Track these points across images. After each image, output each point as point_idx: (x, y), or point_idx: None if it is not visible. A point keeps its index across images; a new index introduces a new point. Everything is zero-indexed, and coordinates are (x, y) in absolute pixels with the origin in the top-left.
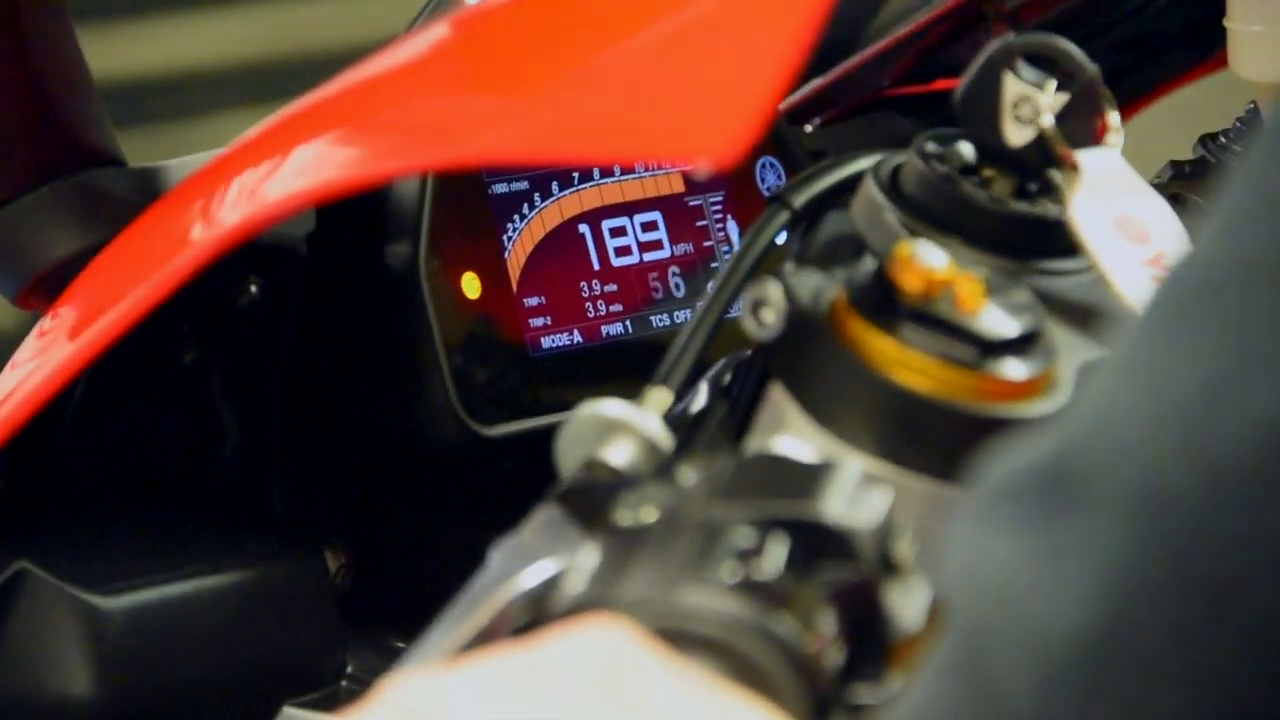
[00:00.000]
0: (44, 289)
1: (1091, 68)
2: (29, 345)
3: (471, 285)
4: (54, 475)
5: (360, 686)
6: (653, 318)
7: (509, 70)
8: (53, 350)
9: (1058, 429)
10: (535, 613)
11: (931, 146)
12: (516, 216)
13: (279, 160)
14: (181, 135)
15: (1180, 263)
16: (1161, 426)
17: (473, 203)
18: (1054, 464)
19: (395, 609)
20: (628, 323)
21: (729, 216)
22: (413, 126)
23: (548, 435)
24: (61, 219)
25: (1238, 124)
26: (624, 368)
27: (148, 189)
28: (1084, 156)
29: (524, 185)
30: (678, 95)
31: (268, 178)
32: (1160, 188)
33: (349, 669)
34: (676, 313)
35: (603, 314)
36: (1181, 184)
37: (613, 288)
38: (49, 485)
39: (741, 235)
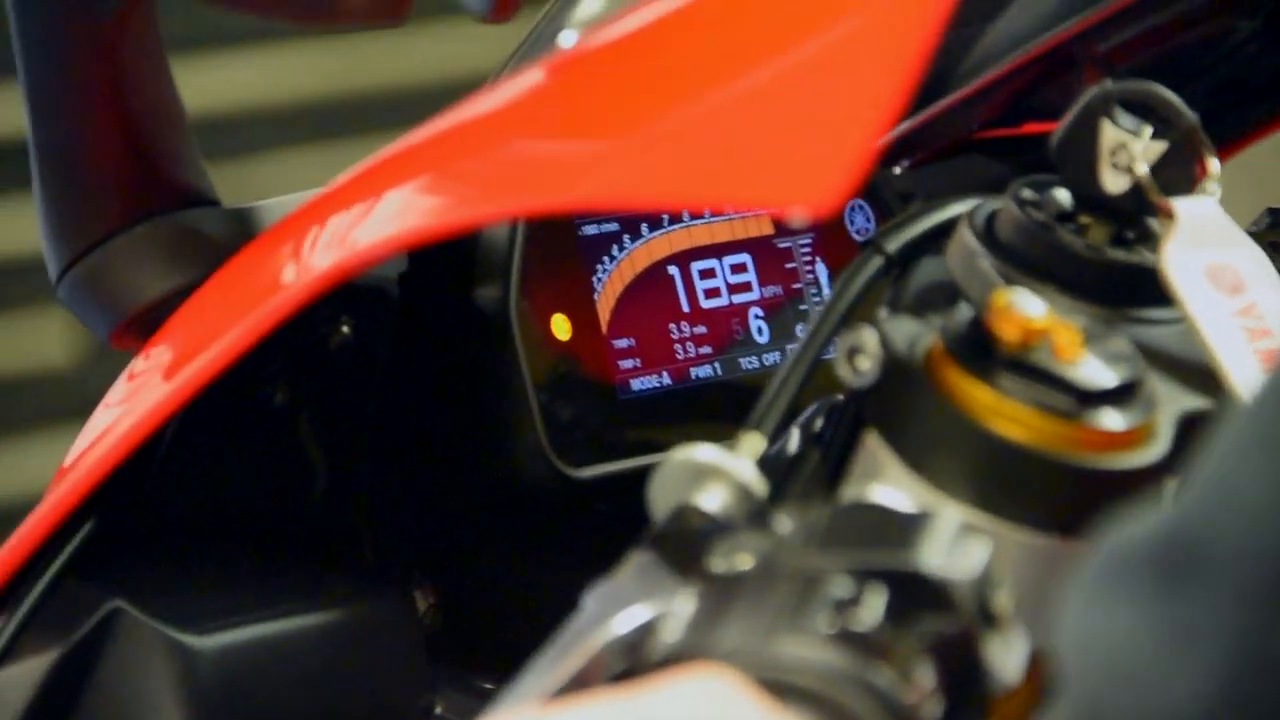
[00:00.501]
0: (137, 328)
1: (1191, 116)
2: (121, 385)
3: (561, 327)
4: (147, 514)
5: None
6: (741, 360)
7: (605, 115)
8: (146, 391)
9: (1179, 499)
10: (631, 660)
11: (1027, 193)
12: (606, 258)
13: (373, 204)
14: (240, 173)
15: None
16: None
17: (563, 244)
18: (1177, 536)
19: (483, 650)
20: (716, 365)
21: (818, 259)
22: (507, 172)
23: (636, 477)
24: (156, 258)
25: None
26: (713, 410)
27: (242, 229)
28: (1180, 205)
29: (614, 227)
30: (776, 142)
31: (361, 222)
32: (1257, 236)
33: (437, 710)
34: (765, 355)
35: (692, 356)
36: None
37: (702, 329)
38: (142, 524)
39: (831, 278)
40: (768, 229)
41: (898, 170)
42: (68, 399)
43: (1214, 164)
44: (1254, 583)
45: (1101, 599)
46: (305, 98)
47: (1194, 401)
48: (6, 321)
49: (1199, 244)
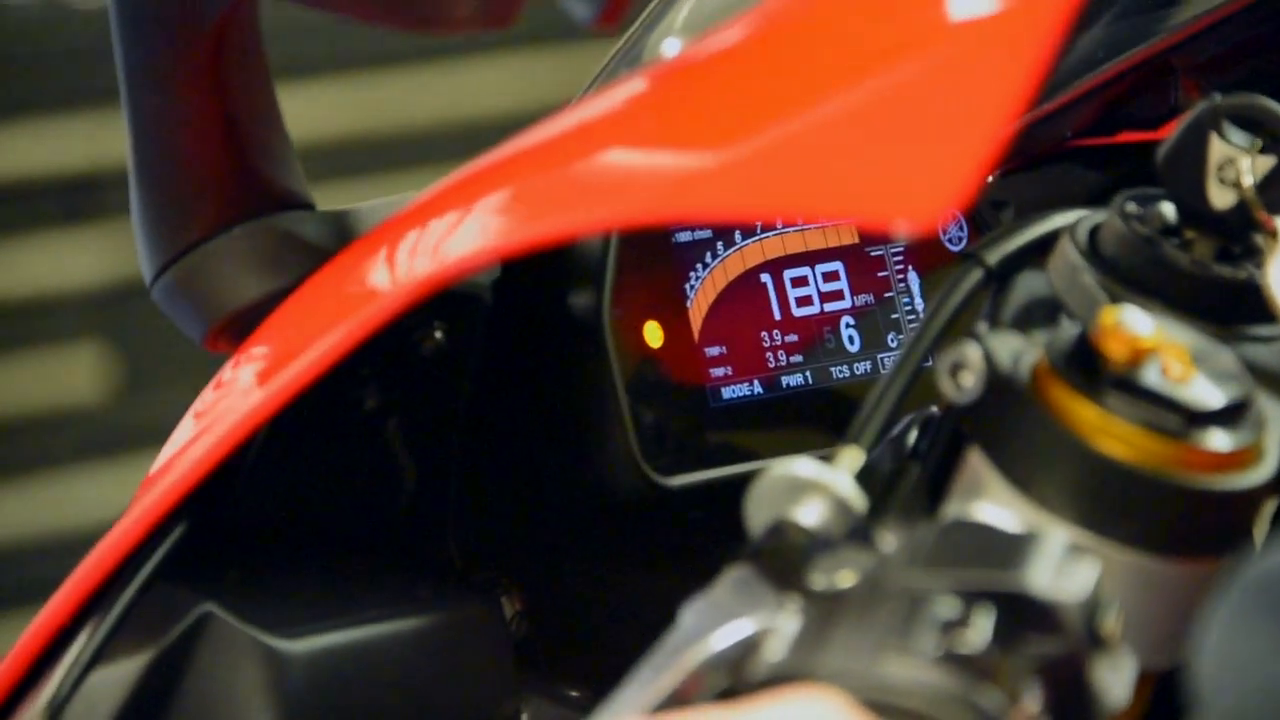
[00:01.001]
0: (232, 331)
1: None
2: (211, 391)
3: (654, 334)
4: (237, 519)
5: None
6: (832, 369)
7: (707, 125)
8: (240, 396)
9: None
10: (733, 677)
11: (1131, 207)
12: (699, 265)
13: (470, 212)
14: None
15: None
16: None
17: (656, 251)
18: None
19: (571, 658)
20: (808, 373)
21: (909, 268)
22: (607, 182)
23: (727, 486)
24: (251, 261)
25: None
26: (803, 418)
27: (338, 233)
28: None
29: (707, 234)
30: (883, 156)
31: (458, 230)
32: None
33: (523, 717)
34: (856, 364)
35: (783, 364)
36: None
37: (793, 338)
38: (233, 529)
39: (922, 287)
40: (859, 237)
41: (990, 178)
42: (96, 435)
43: None
44: None
45: (1246, 624)
46: (329, 134)
47: None
48: (38, 357)
49: None
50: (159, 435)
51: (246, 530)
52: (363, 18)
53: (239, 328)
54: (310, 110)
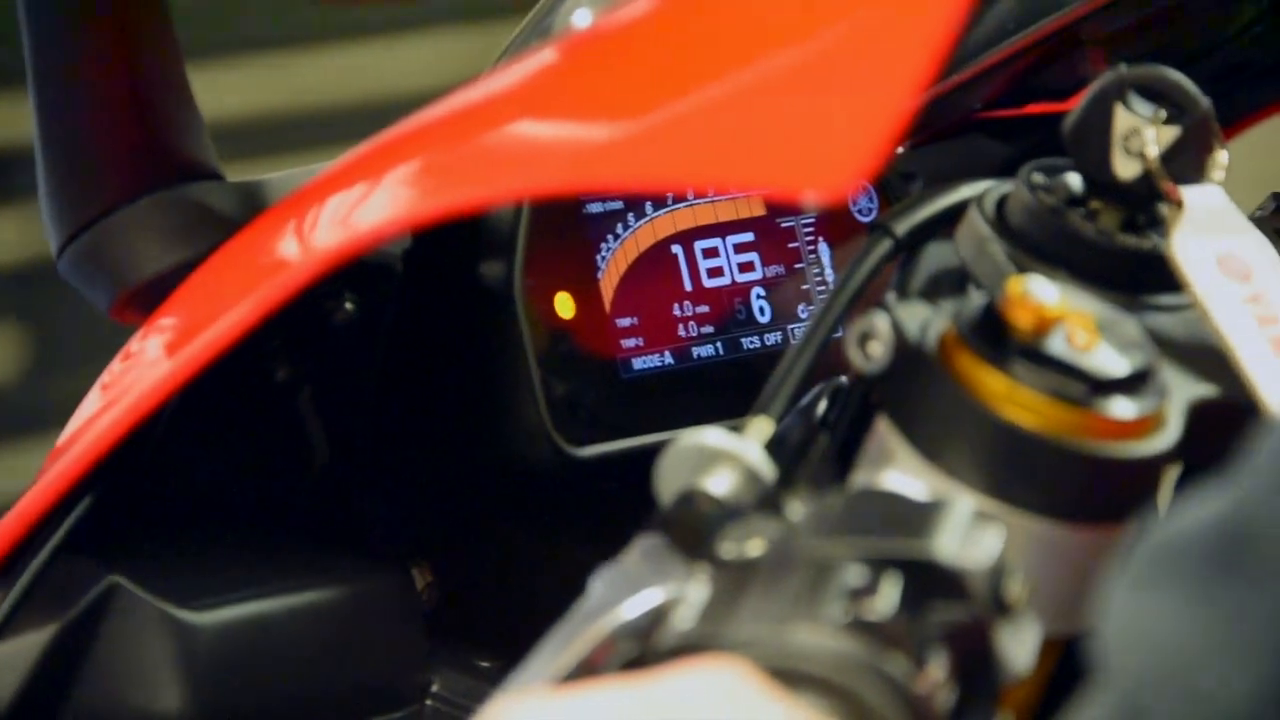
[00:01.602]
0: (140, 302)
1: (1204, 102)
2: (121, 360)
3: (565, 305)
4: (146, 490)
5: (445, 706)
6: (743, 339)
7: (617, 96)
8: (148, 367)
9: (1232, 489)
10: (642, 646)
11: (1038, 177)
12: (610, 236)
13: (379, 183)
14: None
15: None
16: None
17: (567, 222)
18: (1230, 527)
19: (482, 628)
20: (719, 344)
21: (820, 239)
22: (517, 153)
23: (638, 456)
24: (159, 232)
25: None
26: (715, 389)
27: (247, 203)
28: (1188, 192)
29: (619, 205)
30: (792, 126)
31: (367, 201)
32: (1263, 221)
33: (434, 688)
34: (767, 335)
35: (694, 335)
36: None
37: (704, 309)
38: (141, 500)
39: (833, 257)
40: (769, 208)
41: (900, 150)
42: (7, 414)
43: (1222, 153)
44: None
45: (1149, 589)
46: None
47: (1203, 389)
48: None
49: (1207, 231)
50: (71, 414)
51: (156, 501)
52: None
53: (147, 299)
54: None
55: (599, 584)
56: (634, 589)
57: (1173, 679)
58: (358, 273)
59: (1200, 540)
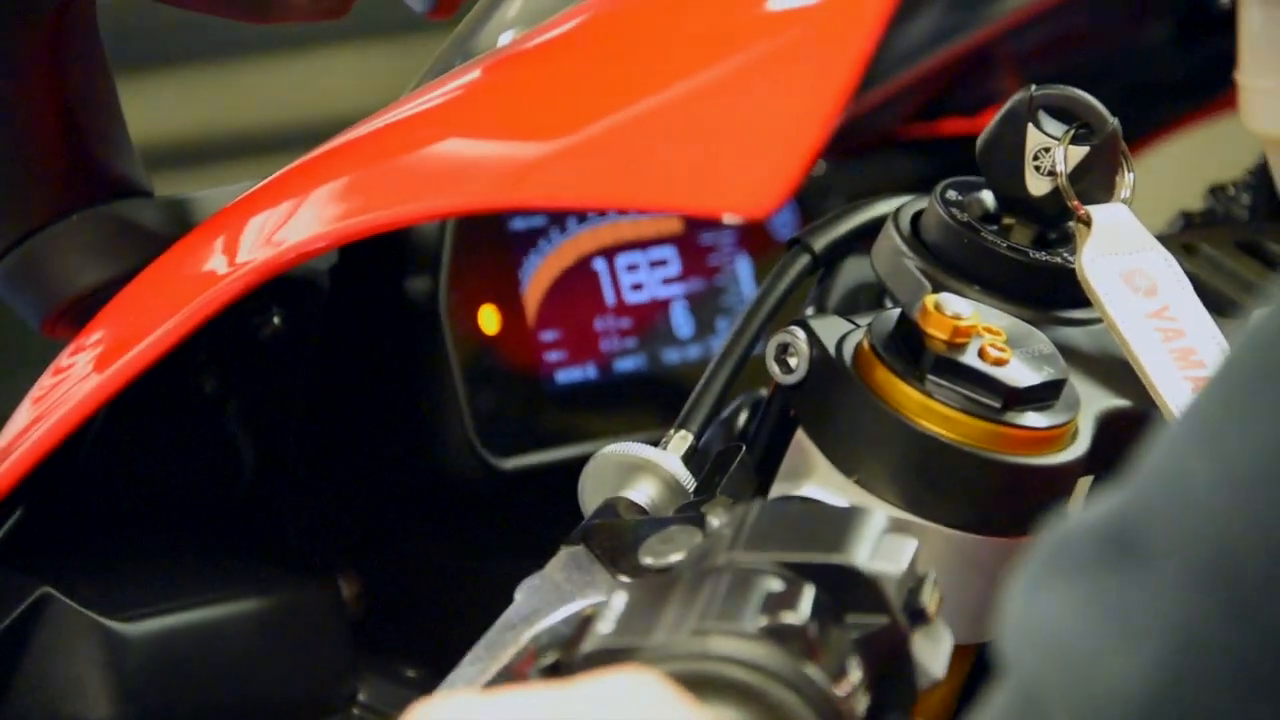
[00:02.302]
0: (70, 317)
1: (1112, 122)
2: (49, 376)
3: (490, 319)
4: (75, 502)
5: (372, 715)
6: (665, 353)
7: (541, 115)
8: (78, 381)
9: (1121, 489)
10: (563, 654)
11: (951, 194)
12: (534, 251)
13: (307, 200)
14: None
15: (1252, 331)
16: (1230, 489)
17: (492, 237)
18: (1118, 523)
19: (408, 638)
20: (641, 357)
21: (741, 253)
22: (442, 171)
23: (562, 468)
24: (89, 248)
25: (1247, 175)
26: (638, 402)
27: (176, 220)
28: (1096, 210)
29: (542, 221)
30: (712, 146)
31: (294, 217)
32: (1170, 239)
33: (361, 697)
34: (688, 348)
35: (617, 349)
36: (1191, 235)
37: (627, 322)
38: (70, 512)
39: (753, 273)
40: (692, 224)
41: (818, 166)
42: None
43: (1129, 173)
44: (1194, 569)
45: (1045, 584)
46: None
47: (1113, 401)
48: None
49: (1114, 248)
50: (1, 427)
51: (86, 514)
52: (199, 8)
53: (78, 314)
54: (160, 105)
55: (522, 594)
56: (557, 599)
57: (1067, 671)
58: (285, 288)
59: (1091, 536)
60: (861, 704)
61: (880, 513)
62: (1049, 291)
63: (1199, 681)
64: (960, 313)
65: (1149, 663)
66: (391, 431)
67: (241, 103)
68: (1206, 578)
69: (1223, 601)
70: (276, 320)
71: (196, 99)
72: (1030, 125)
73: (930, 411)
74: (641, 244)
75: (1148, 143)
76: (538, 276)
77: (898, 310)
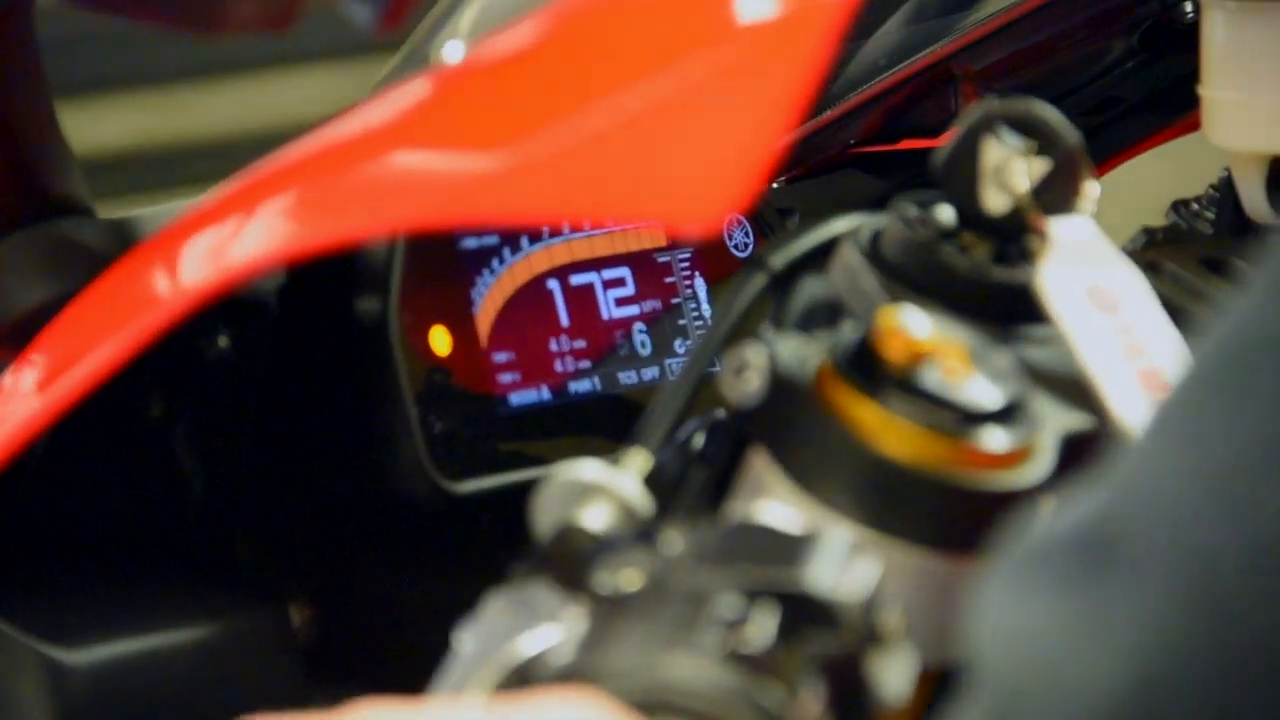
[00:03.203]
0: (11, 338)
1: (1073, 135)
2: None
3: (441, 340)
4: (17, 527)
5: None
6: (620, 374)
7: (491, 129)
8: (19, 403)
9: (1095, 494)
10: (518, 678)
11: (911, 211)
12: (486, 271)
13: (251, 218)
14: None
15: (1219, 332)
16: (1204, 492)
17: (442, 257)
18: (1092, 528)
19: (359, 665)
20: (596, 379)
21: (697, 273)
22: (389, 187)
23: (516, 491)
24: (30, 268)
25: (1211, 190)
26: (592, 424)
27: (118, 239)
28: (1057, 225)
29: (494, 240)
30: (663, 158)
31: (239, 236)
32: (1134, 255)
33: None
34: (644, 370)
35: (571, 370)
36: (1155, 251)
37: (582, 344)
38: (12, 537)
39: (709, 292)
40: (647, 243)
41: (775, 185)
42: None
43: (1092, 185)
44: (1168, 574)
45: (1018, 591)
46: (131, 148)
47: (1076, 420)
48: None
49: (1076, 264)
50: None
51: (28, 539)
52: (144, 20)
53: (19, 334)
54: (107, 123)
55: (465, 639)
56: (504, 637)
57: (1041, 675)
58: (232, 309)
59: (1065, 544)
60: None
61: (840, 534)
62: (1010, 308)
63: (1178, 686)
64: (919, 330)
65: (1123, 668)
66: (342, 455)
67: (193, 121)
68: (1183, 582)
69: (1199, 605)
70: (223, 341)
71: (146, 117)
72: (991, 139)
73: (890, 430)
74: (596, 264)
75: (1115, 161)
76: (490, 297)
77: (857, 328)
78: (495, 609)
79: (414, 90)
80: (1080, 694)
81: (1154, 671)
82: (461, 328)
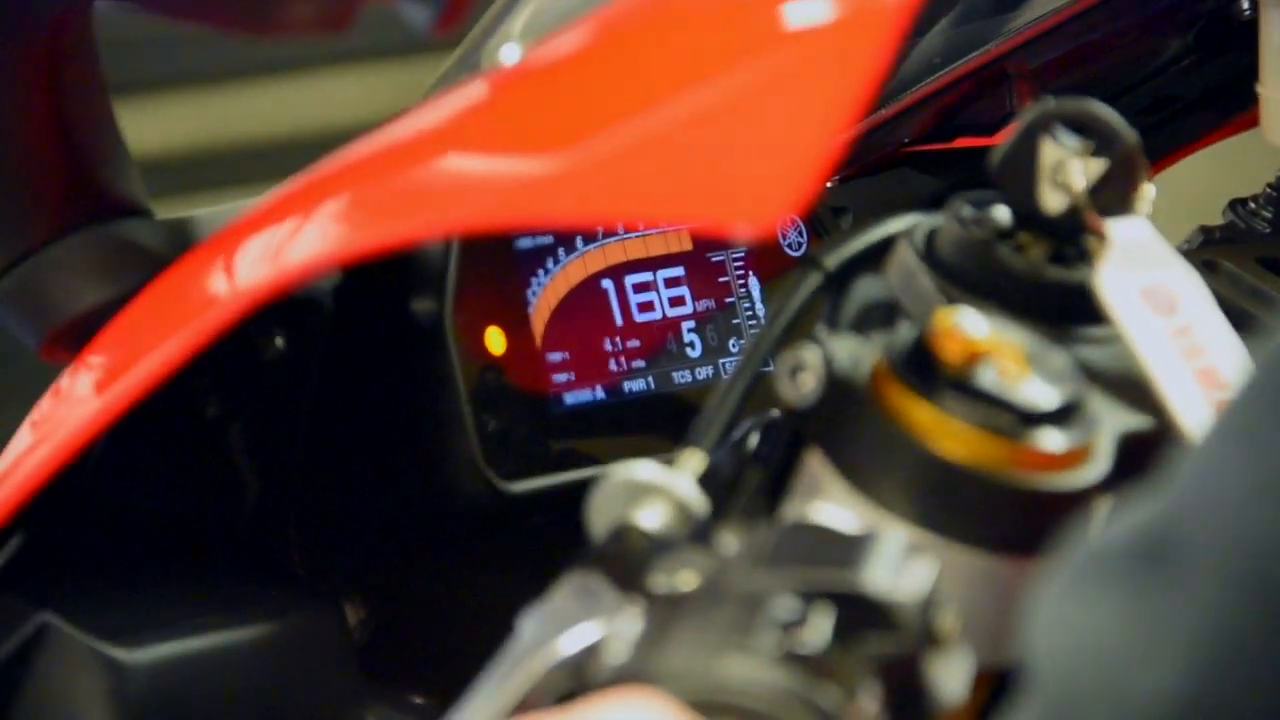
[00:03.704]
0: (69, 339)
1: (1131, 135)
2: (48, 400)
3: (496, 340)
4: (76, 528)
5: None
6: (674, 374)
7: (548, 132)
8: (77, 405)
9: (1154, 499)
10: (576, 680)
11: (967, 211)
12: (541, 271)
13: (309, 219)
14: None
15: None
16: (1267, 498)
17: (498, 258)
18: (1154, 532)
19: (414, 663)
20: (650, 379)
21: (750, 273)
22: (445, 189)
23: (570, 491)
24: (88, 269)
25: (1268, 189)
26: (646, 424)
27: (176, 240)
28: (1114, 225)
29: (549, 240)
30: (721, 160)
31: (297, 237)
32: (1191, 254)
33: None
34: (698, 369)
35: (625, 369)
36: (1212, 250)
37: (635, 343)
38: (72, 538)
39: (763, 292)
40: (700, 243)
41: (830, 184)
42: None
43: (1149, 186)
44: (1231, 577)
45: (1077, 594)
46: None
47: (1134, 420)
48: None
49: (1133, 265)
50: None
51: (87, 539)
52: (201, 22)
53: (76, 336)
54: (157, 125)
55: (530, 622)
56: (568, 625)
57: (1100, 681)
58: (288, 309)
59: (1125, 548)
60: None
61: (896, 534)
62: (1067, 308)
63: (1235, 690)
64: (975, 331)
65: (1183, 670)
66: (396, 454)
67: (244, 122)
68: (1244, 586)
69: (1260, 610)
70: (279, 342)
71: (196, 119)
72: (1047, 139)
73: (946, 431)
74: (651, 264)
75: (1168, 159)
76: (544, 297)
77: (913, 329)
78: (562, 595)
79: (469, 93)
80: (1139, 700)
81: (1214, 677)
82: (516, 327)
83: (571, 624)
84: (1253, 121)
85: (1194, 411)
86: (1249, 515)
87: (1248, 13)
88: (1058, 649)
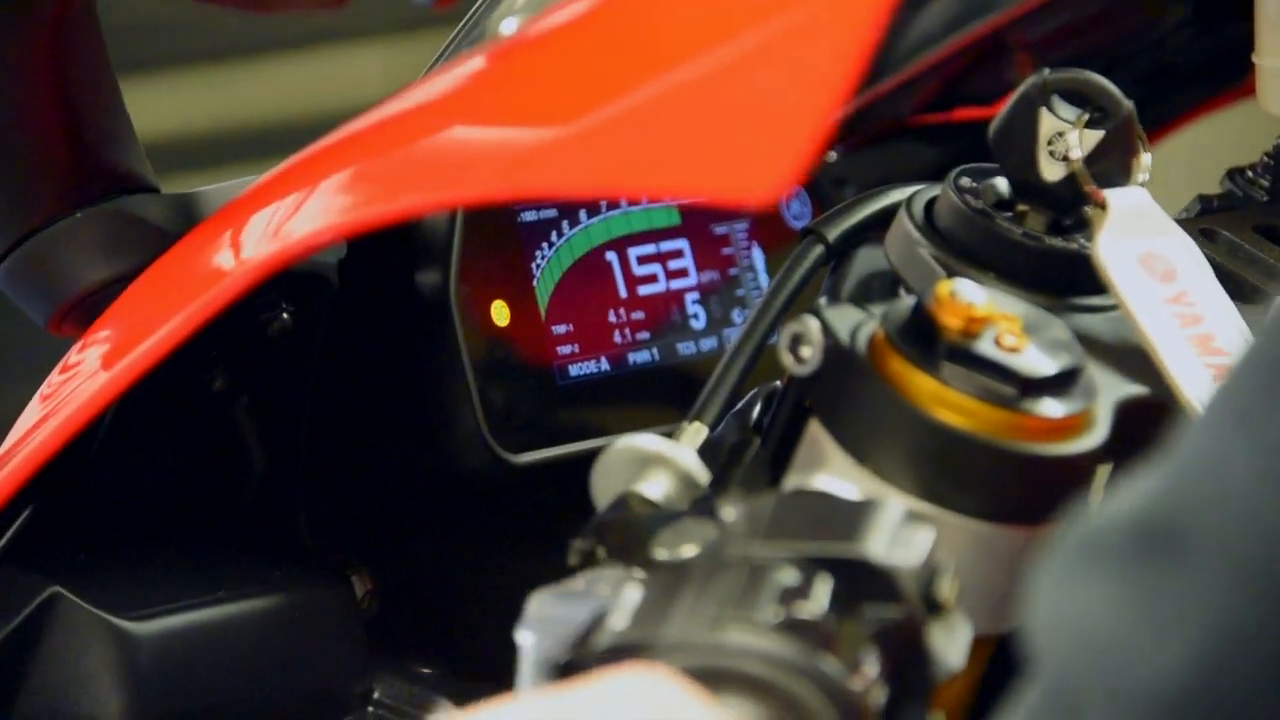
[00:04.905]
0: (77, 315)
1: (1127, 105)
2: (57, 374)
3: (501, 313)
4: (84, 501)
5: (387, 713)
6: (679, 345)
7: (548, 103)
8: (85, 379)
9: (1155, 477)
10: (576, 651)
11: (965, 181)
12: (545, 244)
13: (312, 192)
14: None
15: None
16: (1271, 480)
17: (502, 230)
18: (1154, 514)
19: (422, 635)
20: (654, 350)
21: (753, 244)
22: (448, 161)
23: (575, 463)
24: (95, 245)
25: (1265, 158)
26: (651, 395)
27: (182, 216)
28: (1112, 195)
29: (553, 213)
30: (720, 131)
31: (301, 210)
32: (1188, 223)
33: (375, 695)
34: (702, 341)
35: (630, 341)
36: (1210, 219)
37: (640, 315)
38: (80, 511)
39: (767, 263)
40: (705, 215)
41: (831, 156)
42: None
43: (1145, 155)
44: (1233, 560)
45: (1078, 576)
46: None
47: (1132, 388)
48: None
49: (1131, 233)
50: (10, 425)
51: (96, 511)
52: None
53: (85, 311)
54: (163, 102)
55: (534, 605)
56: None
57: (1103, 663)
58: (293, 283)
59: (1125, 528)
60: (879, 696)
61: (896, 503)
62: (1065, 278)
63: (1237, 675)
64: (975, 300)
65: (1186, 656)
66: (402, 427)
67: (249, 100)
68: (1246, 570)
69: (1263, 594)
70: (285, 316)
71: (202, 96)
72: (1044, 110)
73: (945, 401)
74: (654, 236)
75: (1166, 130)
76: (548, 269)
77: (912, 299)
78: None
79: (471, 65)
80: (1139, 682)
81: (1214, 660)
82: (521, 299)
83: (570, 623)
84: (1251, 91)
85: (1192, 378)
86: (1252, 499)
87: None
88: (1057, 633)
